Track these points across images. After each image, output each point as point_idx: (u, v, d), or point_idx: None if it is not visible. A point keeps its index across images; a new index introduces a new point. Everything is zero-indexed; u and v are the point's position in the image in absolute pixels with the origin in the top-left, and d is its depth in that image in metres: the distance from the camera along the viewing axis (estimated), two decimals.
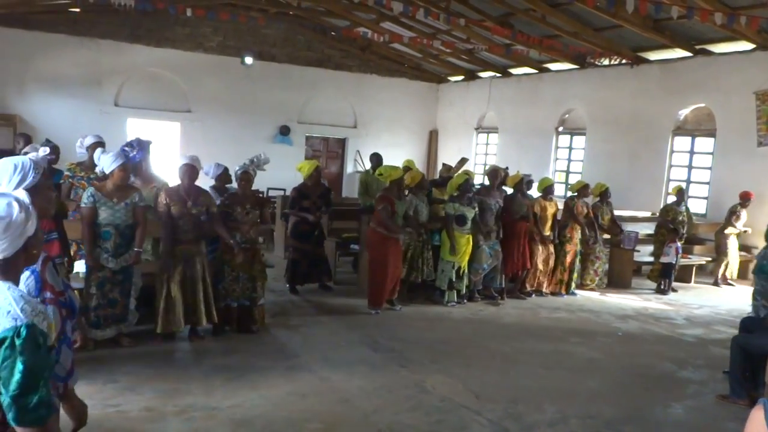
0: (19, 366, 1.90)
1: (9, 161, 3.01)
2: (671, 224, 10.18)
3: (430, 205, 8.54)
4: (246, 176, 6.64)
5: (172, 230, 6.11)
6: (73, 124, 14.03)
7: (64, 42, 15.02)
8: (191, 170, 6.16)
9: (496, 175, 9.01)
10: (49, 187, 3.24)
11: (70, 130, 12.27)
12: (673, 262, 9.98)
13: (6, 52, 14.38)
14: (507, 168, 9.25)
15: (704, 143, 12.77)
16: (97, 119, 14.98)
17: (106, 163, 5.73)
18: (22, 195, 2.16)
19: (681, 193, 10.53)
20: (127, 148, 6.67)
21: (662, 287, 10.09)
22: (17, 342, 1.90)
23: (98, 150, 6.56)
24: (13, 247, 2.06)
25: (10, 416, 1.94)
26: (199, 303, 6.18)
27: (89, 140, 7.06)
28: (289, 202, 8.76)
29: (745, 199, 10.68)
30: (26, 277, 2.51)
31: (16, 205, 2.06)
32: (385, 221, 7.66)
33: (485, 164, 18.03)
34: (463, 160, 13.64)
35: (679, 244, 10.03)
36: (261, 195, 7.56)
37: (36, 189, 2.99)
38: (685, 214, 10.45)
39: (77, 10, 14.67)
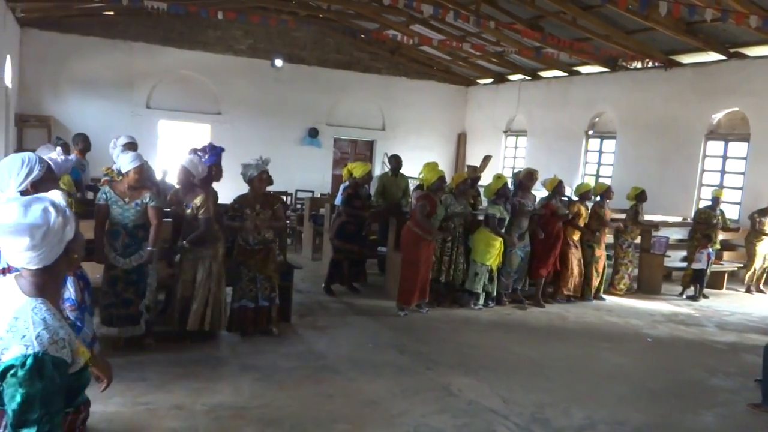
0: (17, 397, 1.85)
1: (17, 156, 3.11)
2: (705, 228, 10.04)
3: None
4: (265, 176, 6.52)
5: (183, 231, 6.18)
6: (105, 125, 14.25)
7: (98, 45, 15.27)
8: (182, 172, 6.15)
9: (531, 177, 8.96)
10: (53, 180, 3.34)
11: (102, 132, 12.46)
12: (705, 268, 9.84)
13: (42, 55, 14.65)
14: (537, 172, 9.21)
15: (738, 148, 12.57)
16: (129, 121, 15.24)
17: (123, 162, 5.75)
18: (57, 197, 2.05)
19: (717, 198, 10.34)
20: (200, 152, 6.76)
21: (694, 294, 9.95)
22: (20, 372, 1.84)
23: (118, 149, 6.65)
24: (52, 256, 1.97)
25: None
26: (200, 305, 6.11)
27: (122, 140, 7.17)
28: (343, 199, 8.77)
29: None
30: None
31: (52, 210, 1.96)
32: (421, 220, 7.66)
33: (514, 168, 17.94)
34: (487, 158, 13.55)
35: (711, 250, 9.89)
36: (273, 193, 7.45)
37: (41, 182, 3.09)
38: (719, 218, 10.28)
39: (111, 13, 14.91)
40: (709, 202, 10.54)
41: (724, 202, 10.87)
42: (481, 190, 9.49)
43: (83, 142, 8.15)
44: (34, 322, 1.90)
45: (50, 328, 1.91)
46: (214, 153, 6.76)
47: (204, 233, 6.06)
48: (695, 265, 9.87)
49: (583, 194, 9.19)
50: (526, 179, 8.92)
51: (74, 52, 15.03)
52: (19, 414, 1.85)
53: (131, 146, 7.04)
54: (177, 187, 6.33)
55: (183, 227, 6.20)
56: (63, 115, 14.98)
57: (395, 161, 10.24)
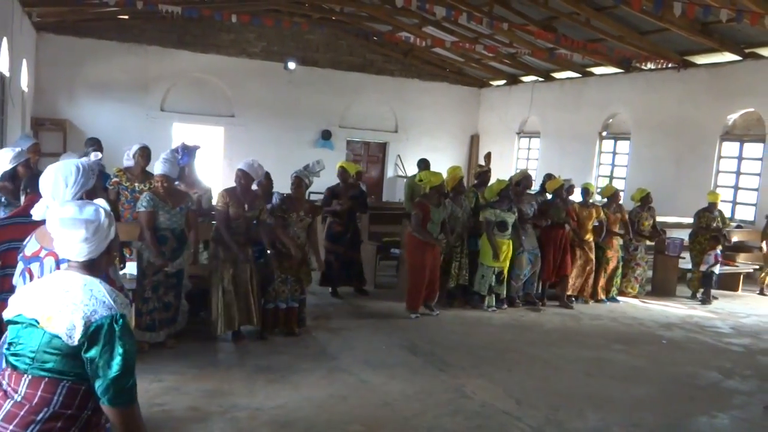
0: (119, 349, 2.11)
1: (70, 164, 3.13)
2: (706, 230, 9.92)
3: (476, 210, 8.52)
4: (296, 181, 6.71)
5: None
6: (120, 128, 14.40)
7: (113, 48, 15.41)
8: (244, 176, 6.29)
9: (528, 181, 8.95)
10: (101, 188, 3.41)
11: (117, 135, 12.61)
12: (714, 271, 9.73)
13: (58, 59, 14.81)
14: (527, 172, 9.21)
15: (753, 149, 12.48)
16: (144, 124, 15.36)
17: (157, 168, 5.94)
18: (103, 203, 2.45)
19: (713, 204, 10.18)
20: (175, 153, 6.84)
21: (703, 296, 9.85)
22: (116, 327, 2.12)
23: (136, 158, 6.76)
24: (99, 249, 2.29)
25: (105, 399, 2.12)
26: (249, 305, 6.30)
27: (135, 147, 7.19)
28: (322, 201, 8.86)
29: None
30: None
31: (102, 211, 2.33)
32: (415, 227, 7.69)
33: (527, 169, 17.92)
34: (488, 155, 13.67)
35: (719, 251, 9.75)
36: (315, 203, 7.56)
37: (94, 190, 3.14)
38: (719, 219, 10.14)
39: (126, 17, 15.04)
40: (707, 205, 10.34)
41: (738, 203, 10.72)
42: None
43: (97, 146, 8.13)
44: (107, 290, 2.20)
45: (119, 296, 2.24)
46: (187, 153, 6.88)
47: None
48: (704, 267, 9.78)
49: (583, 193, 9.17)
50: (525, 182, 8.90)
51: (89, 55, 15.18)
52: (124, 365, 2.11)
53: (144, 151, 7.06)
54: (230, 188, 6.47)
55: (230, 230, 6.25)
56: (78, 118, 15.13)
57: (423, 165, 10.33)
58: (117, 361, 2.10)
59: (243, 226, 6.29)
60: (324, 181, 16.37)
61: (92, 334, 2.09)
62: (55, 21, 14.44)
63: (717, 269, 9.75)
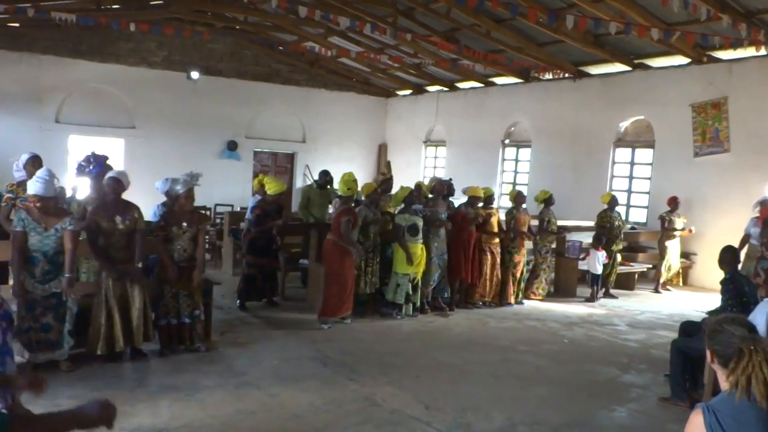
0: None
1: None
2: (606, 230, 10.37)
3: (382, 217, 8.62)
4: (189, 192, 6.46)
5: (102, 246, 5.97)
6: (11, 141, 13.63)
7: (3, 58, 14.63)
8: (117, 184, 6.00)
9: (441, 186, 9.12)
10: None
11: (9, 148, 11.87)
12: (598, 272, 10.15)
13: None
14: (451, 179, 9.35)
15: (644, 154, 13.16)
16: (38, 136, 14.61)
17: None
18: None
19: (613, 200, 10.70)
20: (83, 163, 6.53)
21: (591, 295, 10.23)
22: None
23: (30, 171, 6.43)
24: None
25: None
26: (136, 322, 6.05)
27: (24, 158, 6.83)
28: (253, 221, 8.65)
29: (671, 204, 11.02)
30: None
31: None
32: (346, 235, 7.67)
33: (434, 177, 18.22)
34: (388, 163, 14.07)
35: (604, 252, 10.18)
36: (201, 212, 7.39)
37: None
38: (619, 219, 10.66)
39: (17, 24, 14.32)
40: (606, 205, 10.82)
41: (631, 206, 11.18)
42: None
43: None
44: None
45: None
46: (98, 163, 6.61)
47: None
48: (584, 266, 10.23)
49: (486, 199, 9.37)
50: (436, 188, 9.09)
51: None
52: None
53: (36, 161, 6.73)
54: (99, 201, 6.21)
55: (110, 245, 5.98)
56: None
57: (325, 176, 10.34)
58: None
59: (122, 240, 5.99)
60: (229, 194, 16.13)
61: None
62: None
63: (599, 269, 10.16)
